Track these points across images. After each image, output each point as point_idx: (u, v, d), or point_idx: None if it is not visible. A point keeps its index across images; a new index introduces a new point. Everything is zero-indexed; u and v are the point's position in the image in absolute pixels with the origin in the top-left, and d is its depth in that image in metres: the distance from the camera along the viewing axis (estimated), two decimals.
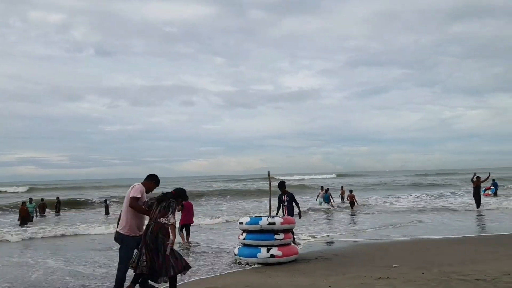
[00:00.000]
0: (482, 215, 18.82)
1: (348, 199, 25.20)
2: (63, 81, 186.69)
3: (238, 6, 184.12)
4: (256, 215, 11.11)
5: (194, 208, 13.67)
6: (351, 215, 20.95)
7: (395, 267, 8.03)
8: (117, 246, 6.63)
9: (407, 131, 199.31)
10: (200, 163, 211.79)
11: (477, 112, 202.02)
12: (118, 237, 6.42)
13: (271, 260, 8.88)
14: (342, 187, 30.22)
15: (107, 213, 24.24)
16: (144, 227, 6.23)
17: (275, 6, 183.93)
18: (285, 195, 11.73)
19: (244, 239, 9.30)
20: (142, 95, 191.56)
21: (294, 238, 11.37)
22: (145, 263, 5.90)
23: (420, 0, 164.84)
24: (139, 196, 6.35)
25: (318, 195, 26.41)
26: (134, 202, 6.27)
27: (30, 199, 22.76)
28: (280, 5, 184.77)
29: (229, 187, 50.00)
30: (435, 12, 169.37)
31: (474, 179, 21.57)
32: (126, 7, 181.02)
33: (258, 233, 9.14)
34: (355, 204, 24.53)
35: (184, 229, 13.03)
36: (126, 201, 6.37)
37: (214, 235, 14.33)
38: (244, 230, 9.42)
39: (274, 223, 9.07)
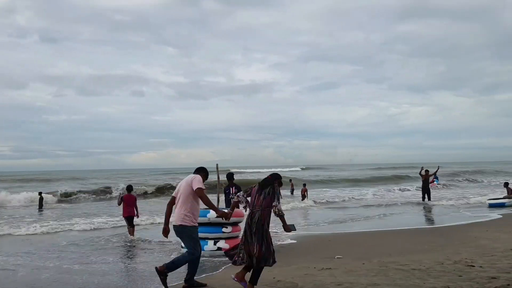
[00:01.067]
0: (430, 207, 19.59)
1: (301, 192, 25.71)
2: (5, 68, 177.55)
3: None
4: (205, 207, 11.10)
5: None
6: (302, 208, 21.37)
7: (337, 258, 8.31)
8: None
9: (356, 126, 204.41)
10: (149, 155, 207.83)
11: (422, 109, 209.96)
12: (181, 230, 6.32)
13: (218, 252, 8.94)
14: (290, 180, 30.69)
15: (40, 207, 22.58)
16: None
17: None
18: (233, 187, 11.32)
19: None
20: (90, 84, 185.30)
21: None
22: (242, 253, 5.81)
23: None
24: (204, 187, 6.38)
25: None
26: (203, 192, 6.32)
27: None
28: None
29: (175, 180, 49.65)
30: (383, 10, 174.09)
31: (423, 172, 22.45)
32: None
33: (206, 226, 9.17)
34: (306, 198, 25.05)
35: (128, 222, 12.87)
36: (186, 193, 6.32)
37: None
38: None
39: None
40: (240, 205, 6.26)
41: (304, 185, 26.19)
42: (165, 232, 6.44)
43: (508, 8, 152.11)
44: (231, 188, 11.41)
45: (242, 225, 9.98)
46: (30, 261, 9.28)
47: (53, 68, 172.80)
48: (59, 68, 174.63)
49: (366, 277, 6.46)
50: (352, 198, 26.47)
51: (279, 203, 5.77)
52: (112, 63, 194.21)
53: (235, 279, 5.85)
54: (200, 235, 9.04)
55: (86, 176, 59.01)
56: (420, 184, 23.88)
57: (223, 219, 6.57)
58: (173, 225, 6.36)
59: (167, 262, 6.38)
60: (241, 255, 5.81)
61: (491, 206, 18.62)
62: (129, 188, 13.60)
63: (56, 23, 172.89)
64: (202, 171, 6.69)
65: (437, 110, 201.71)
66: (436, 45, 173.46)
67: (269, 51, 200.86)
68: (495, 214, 15.87)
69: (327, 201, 24.84)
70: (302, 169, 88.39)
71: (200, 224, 9.23)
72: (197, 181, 6.32)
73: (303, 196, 24.97)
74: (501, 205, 18.61)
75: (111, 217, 17.18)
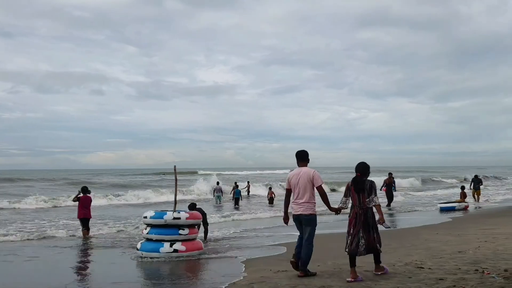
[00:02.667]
0: (392, 211, 19.97)
1: (268, 195, 25.74)
2: None
3: None
4: (162, 209, 10.99)
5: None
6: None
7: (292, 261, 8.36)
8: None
9: (317, 130, 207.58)
10: (107, 156, 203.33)
11: (379, 114, 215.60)
12: (310, 218, 6.78)
13: (174, 254, 8.86)
14: (248, 182, 31.00)
15: None
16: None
17: None
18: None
19: (147, 233, 9.18)
20: (48, 82, 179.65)
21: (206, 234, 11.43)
22: (364, 245, 6.44)
23: (331, 5, 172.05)
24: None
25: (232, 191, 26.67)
26: (324, 190, 6.88)
27: None
28: None
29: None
30: (345, 17, 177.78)
31: (387, 176, 22.36)
32: None
33: (163, 228, 9.07)
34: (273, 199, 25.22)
35: (83, 224, 12.55)
36: (308, 186, 6.72)
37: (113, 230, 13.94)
38: (148, 225, 9.30)
39: (179, 218, 9.06)
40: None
41: (270, 188, 26.51)
42: (286, 220, 7.08)
43: (462, 20, 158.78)
44: None
45: (201, 228, 10.04)
46: None
47: (8, 64, 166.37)
48: (14, 63, 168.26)
49: (320, 278, 6.57)
50: None
51: (375, 195, 6.46)
52: (71, 60, 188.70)
53: (352, 280, 6.32)
54: (156, 237, 9.02)
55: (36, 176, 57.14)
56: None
57: (336, 213, 7.07)
58: (301, 215, 6.76)
59: (300, 266, 6.81)
60: (361, 244, 6.44)
61: (442, 210, 19.31)
62: (85, 189, 13.23)
63: (12, 17, 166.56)
64: (307, 159, 7.02)
65: (393, 116, 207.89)
66: (395, 53, 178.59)
67: (232, 53, 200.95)
68: (446, 218, 16.47)
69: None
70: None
71: (157, 226, 9.18)
72: (319, 178, 6.78)
73: (271, 199, 25.05)
74: (452, 209, 19.34)
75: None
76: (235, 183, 27.08)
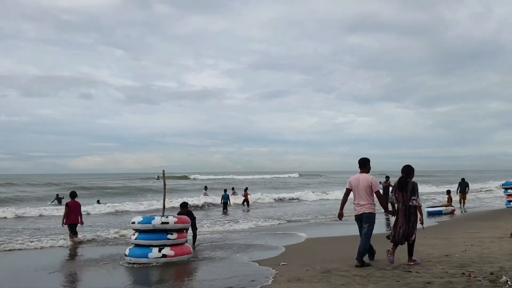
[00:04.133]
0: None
1: (244, 196, 26.20)
2: None
3: None
4: (149, 214, 10.93)
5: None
6: (247, 212, 21.46)
7: (282, 264, 8.40)
8: None
9: (304, 134, 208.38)
10: (94, 160, 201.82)
11: (367, 119, 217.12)
12: (370, 216, 7.79)
13: (163, 260, 8.81)
14: (245, 189, 30.98)
15: None
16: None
17: (181, 2, 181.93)
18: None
19: (136, 239, 9.12)
20: (35, 85, 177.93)
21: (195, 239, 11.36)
22: (402, 236, 7.70)
23: (319, 10, 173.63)
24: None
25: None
26: (381, 194, 7.98)
27: None
28: (186, 2, 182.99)
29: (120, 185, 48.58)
30: (333, 22, 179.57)
31: (384, 179, 21.78)
32: None
33: (151, 233, 9.02)
34: (249, 202, 25.79)
35: (71, 229, 12.41)
36: (367, 189, 7.75)
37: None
38: (136, 230, 9.24)
39: (167, 223, 9.02)
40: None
41: (246, 189, 27.06)
42: (340, 216, 8.08)
43: (448, 25, 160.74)
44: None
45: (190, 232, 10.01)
46: None
47: None
48: (0, 67, 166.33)
49: (309, 283, 6.59)
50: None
51: (417, 196, 7.61)
52: (58, 63, 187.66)
53: (391, 256, 7.81)
54: (145, 242, 8.96)
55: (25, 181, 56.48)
56: None
57: (392, 215, 8.09)
58: (362, 214, 7.78)
59: (357, 256, 7.77)
60: (396, 234, 7.76)
61: (430, 214, 19.45)
62: (73, 194, 13.05)
63: None
64: (367, 166, 8.01)
65: (380, 120, 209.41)
66: (382, 58, 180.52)
67: (221, 58, 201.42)
68: (433, 221, 16.62)
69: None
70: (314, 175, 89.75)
71: (145, 231, 9.12)
72: (376, 184, 7.85)
73: (246, 201, 25.68)
74: (439, 213, 19.51)
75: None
76: (225, 190, 27.20)
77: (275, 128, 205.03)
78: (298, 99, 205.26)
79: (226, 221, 17.79)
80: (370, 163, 8.07)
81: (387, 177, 22.43)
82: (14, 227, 16.41)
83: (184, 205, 11.62)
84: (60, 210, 16.81)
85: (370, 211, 7.76)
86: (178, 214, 10.86)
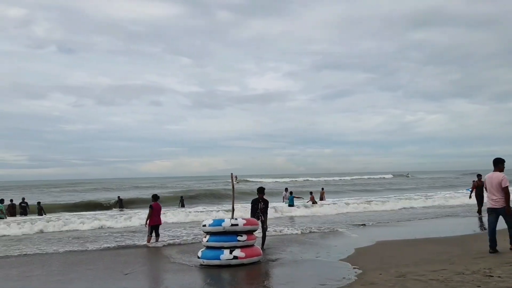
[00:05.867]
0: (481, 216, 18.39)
1: (310, 200, 26.13)
2: (23, 78, 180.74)
3: (205, 6, 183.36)
4: (219, 217, 11.14)
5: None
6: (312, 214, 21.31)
7: (354, 268, 8.24)
8: None
9: (369, 134, 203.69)
10: (163, 164, 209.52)
11: (436, 117, 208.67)
12: (504, 209, 8.70)
13: (234, 261, 8.94)
14: (322, 189, 30.89)
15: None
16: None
17: (242, 7, 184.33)
18: (261, 203, 11.17)
19: (207, 241, 9.33)
20: (108, 94, 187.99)
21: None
22: None
23: (382, 7, 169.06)
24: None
25: (283, 197, 26.70)
26: (508, 190, 8.67)
27: (1, 200, 21.67)
28: (247, 7, 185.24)
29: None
30: (397, 18, 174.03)
31: (476, 178, 19.95)
32: (89, 4, 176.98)
33: (221, 235, 9.20)
34: (317, 203, 25.80)
35: (153, 231, 12.92)
36: (498, 186, 8.70)
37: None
38: (207, 233, 9.45)
39: (237, 225, 9.16)
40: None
41: (311, 192, 27.07)
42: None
43: None
44: (259, 203, 11.18)
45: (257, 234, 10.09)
46: None
47: (71, 79, 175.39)
48: (76, 78, 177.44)
49: (384, 287, 6.41)
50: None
51: None
52: (129, 73, 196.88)
53: None
54: (216, 244, 9.15)
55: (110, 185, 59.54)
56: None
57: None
58: (496, 208, 8.74)
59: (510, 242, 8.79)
60: None
61: None
62: (156, 197, 13.65)
63: (72, 34, 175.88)
64: (499, 165, 8.93)
65: (452, 118, 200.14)
66: (451, 52, 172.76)
67: (282, 60, 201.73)
68: None
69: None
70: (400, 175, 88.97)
71: (215, 233, 9.32)
72: (506, 181, 8.66)
73: (314, 202, 25.65)
74: None
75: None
76: (286, 189, 27.27)
77: (339, 128, 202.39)
78: (362, 99, 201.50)
79: (303, 223, 17.77)
80: (504, 163, 8.98)
81: (479, 176, 20.63)
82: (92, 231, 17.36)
83: (261, 190, 11.40)
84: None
85: (503, 205, 8.69)
86: (253, 200, 11.22)
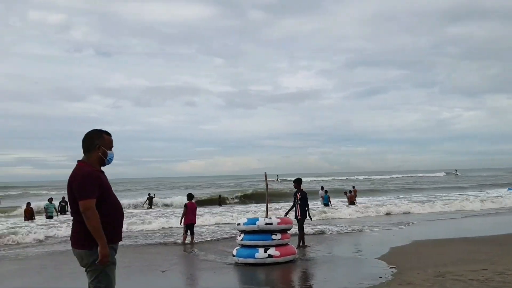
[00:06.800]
0: None
1: (349, 199, 25.84)
2: (63, 81, 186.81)
3: (237, 6, 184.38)
4: (253, 216, 11.19)
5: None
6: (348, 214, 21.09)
7: (390, 267, 8.13)
8: None
9: (405, 131, 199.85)
10: (197, 163, 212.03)
11: (474, 113, 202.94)
12: None
13: (269, 260, 8.96)
14: (353, 187, 30.56)
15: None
16: None
17: (274, 6, 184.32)
18: (299, 193, 11.45)
19: (242, 240, 9.39)
20: (145, 96, 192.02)
21: (303, 240, 11.35)
22: None
23: (417, 2, 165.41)
24: None
25: (321, 196, 26.51)
26: None
27: (50, 199, 22.99)
28: (279, 6, 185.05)
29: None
30: (432, 13, 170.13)
31: None
32: (125, 8, 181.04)
33: (256, 234, 9.23)
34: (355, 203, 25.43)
35: (188, 229, 13.09)
36: None
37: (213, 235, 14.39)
38: (241, 231, 9.51)
39: (271, 224, 9.17)
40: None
41: (350, 191, 26.68)
42: None
43: None
44: (297, 194, 11.51)
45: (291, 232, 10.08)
46: None
47: (109, 81, 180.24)
48: (114, 80, 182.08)
49: (422, 287, 6.30)
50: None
51: None
52: (163, 75, 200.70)
53: None
54: (250, 243, 9.20)
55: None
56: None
57: None
58: None
59: None
60: None
61: None
62: (190, 196, 13.88)
63: (109, 37, 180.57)
64: None
65: (491, 114, 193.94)
66: (489, 47, 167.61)
67: (315, 58, 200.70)
68: None
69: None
70: (449, 173, 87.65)
71: (249, 232, 9.37)
72: None
73: (352, 201, 25.27)
74: None
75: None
76: (322, 187, 27.09)
77: (373, 126, 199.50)
78: (397, 96, 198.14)
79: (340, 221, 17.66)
80: None
81: None
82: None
83: (297, 181, 11.65)
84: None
85: None
86: (296, 192, 11.39)
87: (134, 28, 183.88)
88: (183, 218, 13.12)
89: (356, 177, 78.16)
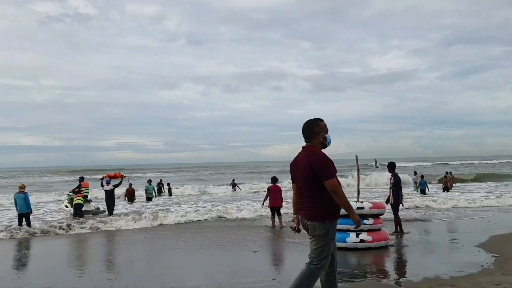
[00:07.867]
0: None
1: (443, 184, 24.92)
2: (159, 70, 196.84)
3: None
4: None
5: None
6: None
7: (493, 256, 7.67)
8: None
9: (508, 113, 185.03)
10: (283, 148, 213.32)
11: None
12: None
13: (361, 245, 8.85)
14: (450, 172, 29.28)
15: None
16: None
17: None
18: (392, 177, 11.25)
19: None
20: (233, 82, 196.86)
21: (399, 226, 11.05)
22: None
23: None
24: None
25: (414, 182, 25.66)
26: None
27: (149, 181, 24.68)
28: None
29: None
30: None
31: None
32: None
33: (347, 218, 9.10)
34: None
35: (275, 212, 13.26)
36: None
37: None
38: None
39: (363, 208, 9.03)
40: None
41: (445, 176, 25.60)
42: None
43: None
44: (391, 178, 11.32)
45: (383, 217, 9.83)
46: None
47: (200, 69, 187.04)
48: (205, 68, 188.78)
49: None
50: None
51: None
52: (250, 60, 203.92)
53: None
54: (342, 227, 9.08)
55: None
56: None
57: None
58: None
59: None
60: None
61: None
62: (274, 179, 14.07)
63: (200, 26, 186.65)
64: None
65: None
66: None
67: (407, 37, 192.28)
68: None
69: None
70: None
71: (341, 216, 9.27)
72: None
73: (447, 187, 24.31)
74: None
75: None
76: (414, 172, 26.19)
77: (471, 108, 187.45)
78: (499, 74, 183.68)
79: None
80: None
81: None
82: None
83: (390, 165, 11.28)
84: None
85: None
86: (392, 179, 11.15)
87: (223, 15, 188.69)
88: (265, 201, 13.39)
89: (460, 162, 73.61)
